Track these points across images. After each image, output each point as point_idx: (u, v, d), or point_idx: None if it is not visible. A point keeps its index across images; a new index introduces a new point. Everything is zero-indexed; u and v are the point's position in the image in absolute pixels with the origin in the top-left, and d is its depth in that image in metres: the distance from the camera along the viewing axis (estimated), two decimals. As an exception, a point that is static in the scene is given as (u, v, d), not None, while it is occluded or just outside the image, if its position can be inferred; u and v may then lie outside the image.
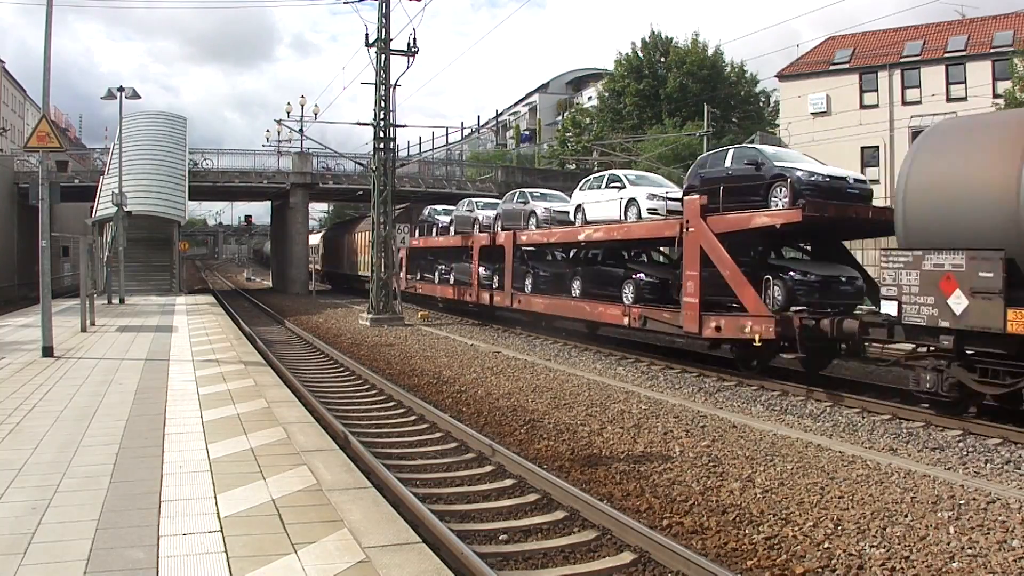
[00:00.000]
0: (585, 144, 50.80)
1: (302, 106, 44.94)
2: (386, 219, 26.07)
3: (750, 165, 14.22)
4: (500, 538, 6.64)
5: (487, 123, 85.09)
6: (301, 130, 40.40)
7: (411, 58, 25.00)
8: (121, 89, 28.35)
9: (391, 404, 12.26)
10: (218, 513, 5.31)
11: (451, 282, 26.71)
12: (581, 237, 19.00)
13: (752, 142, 17.50)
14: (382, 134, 25.76)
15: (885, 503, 7.16)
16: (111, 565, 4.43)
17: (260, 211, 74.68)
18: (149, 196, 35.28)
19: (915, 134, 11.77)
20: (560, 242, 20.95)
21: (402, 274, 27.09)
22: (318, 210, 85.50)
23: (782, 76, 44.03)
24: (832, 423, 10.75)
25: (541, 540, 6.61)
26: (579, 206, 19.35)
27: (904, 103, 38.35)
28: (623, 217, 17.40)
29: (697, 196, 14.53)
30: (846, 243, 15.58)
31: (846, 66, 41.03)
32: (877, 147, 38.12)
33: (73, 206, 41.48)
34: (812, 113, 41.20)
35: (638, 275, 16.95)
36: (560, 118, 65.37)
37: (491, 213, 24.62)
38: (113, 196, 28.74)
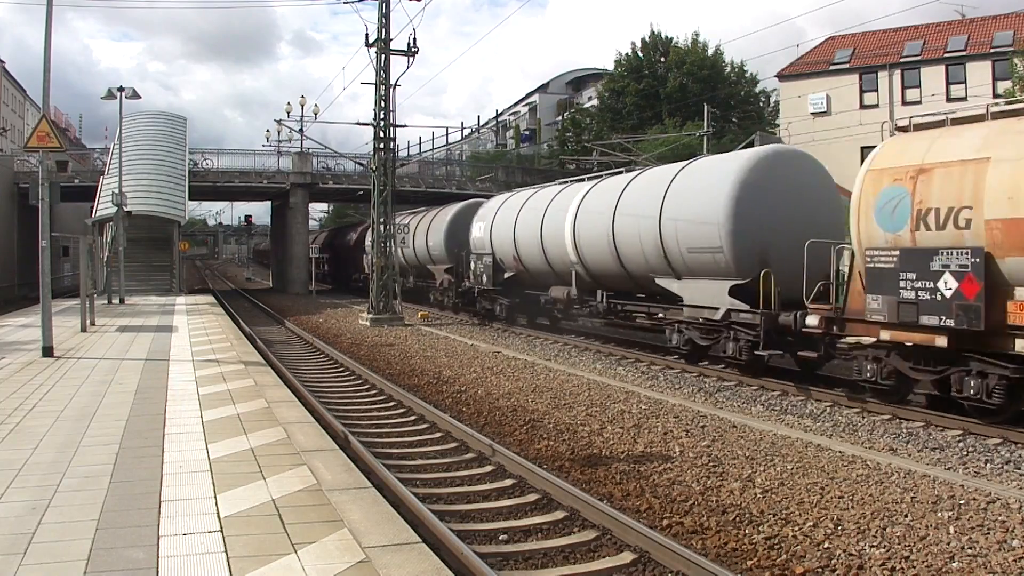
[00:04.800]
0: (585, 144, 50.78)
1: (302, 106, 44.94)
2: (386, 219, 26.09)
3: None
4: (500, 538, 6.64)
5: (487, 123, 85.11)
6: (301, 130, 40.44)
7: (411, 58, 25.02)
8: (121, 89, 28.36)
9: (391, 404, 12.27)
10: (218, 513, 5.31)
11: None
12: None
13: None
14: (382, 134, 25.77)
15: (885, 503, 7.15)
16: (111, 565, 4.43)
17: (260, 211, 74.84)
18: (149, 196, 35.29)
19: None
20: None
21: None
22: (318, 210, 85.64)
23: (782, 76, 44.03)
24: (832, 423, 10.75)
25: (541, 540, 6.61)
26: None
27: (904, 103, 38.31)
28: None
29: None
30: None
31: (846, 66, 41.02)
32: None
33: (73, 206, 41.48)
34: (812, 113, 41.19)
35: None
36: (560, 118, 65.37)
37: None
38: (113, 196, 28.73)
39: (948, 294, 9.73)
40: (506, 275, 23.00)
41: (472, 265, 24.87)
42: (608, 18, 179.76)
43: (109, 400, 9.40)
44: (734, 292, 13.67)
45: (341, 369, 16.10)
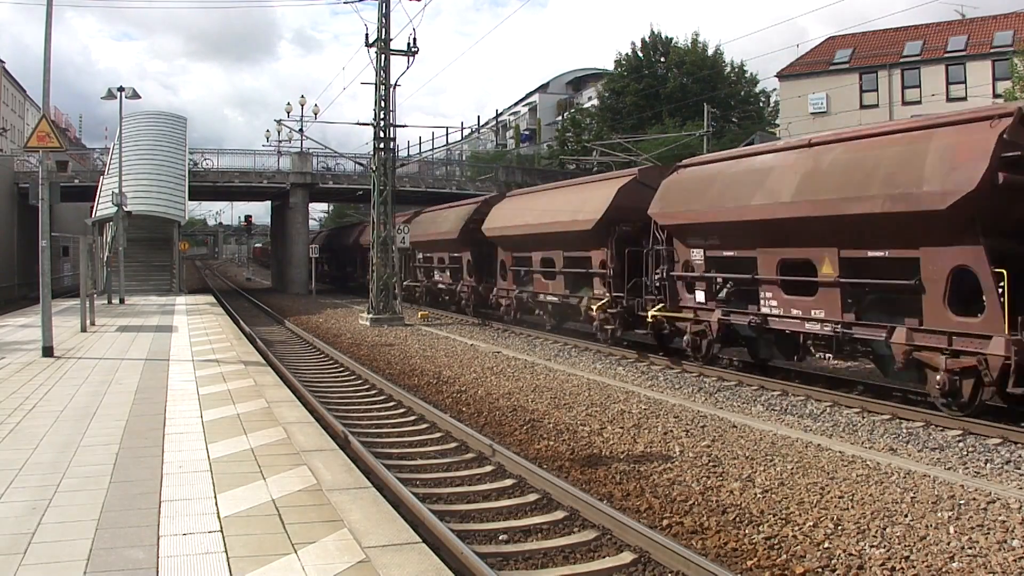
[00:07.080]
0: (585, 144, 50.79)
1: (302, 106, 44.99)
2: (386, 219, 26.09)
3: None
4: (500, 538, 6.64)
5: (487, 123, 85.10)
6: (301, 130, 40.48)
7: (411, 58, 25.02)
8: (121, 89, 28.34)
9: (391, 404, 12.27)
10: (218, 513, 5.31)
11: None
12: None
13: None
14: (382, 134, 25.77)
15: (885, 503, 7.15)
16: (111, 565, 4.43)
17: (260, 211, 74.95)
18: (149, 196, 35.27)
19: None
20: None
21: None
22: (318, 210, 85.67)
23: (782, 76, 44.04)
24: (832, 423, 10.75)
25: (541, 540, 6.61)
26: None
27: (904, 103, 38.35)
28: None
29: None
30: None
31: (846, 66, 41.04)
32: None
33: (73, 206, 41.48)
34: (812, 113, 41.21)
35: None
36: (560, 118, 65.39)
37: None
38: (113, 196, 28.73)
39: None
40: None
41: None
42: (608, 18, 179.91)
43: (109, 400, 9.40)
44: None
45: (341, 369, 16.10)
